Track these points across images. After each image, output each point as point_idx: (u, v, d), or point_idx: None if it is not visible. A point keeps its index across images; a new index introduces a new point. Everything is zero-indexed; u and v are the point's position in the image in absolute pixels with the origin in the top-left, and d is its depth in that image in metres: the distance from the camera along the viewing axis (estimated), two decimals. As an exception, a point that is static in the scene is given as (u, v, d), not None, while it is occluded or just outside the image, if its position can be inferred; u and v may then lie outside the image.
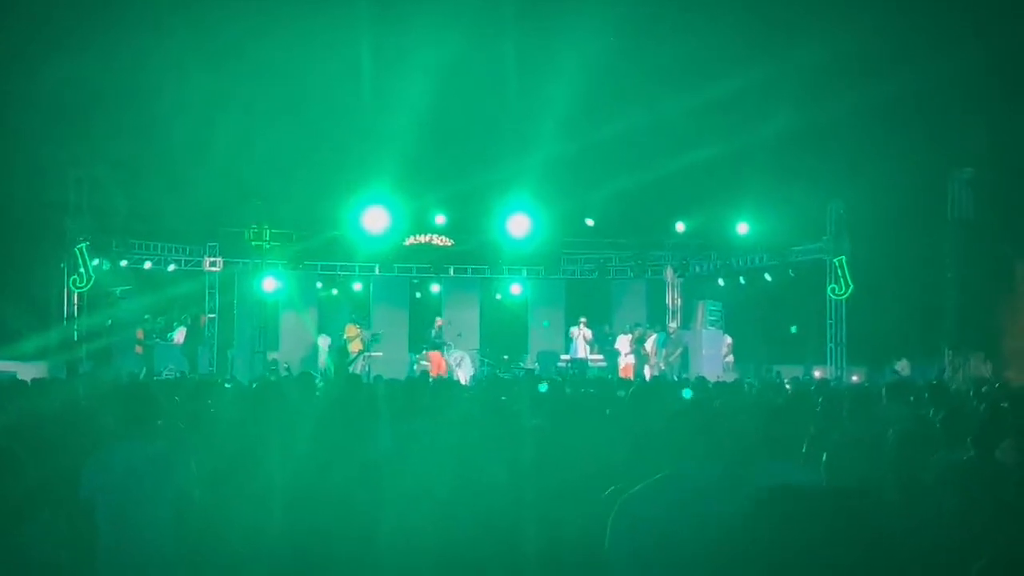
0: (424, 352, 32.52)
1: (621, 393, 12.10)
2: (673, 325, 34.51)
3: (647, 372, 32.33)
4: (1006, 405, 10.66)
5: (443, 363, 31.86)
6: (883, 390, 10.27)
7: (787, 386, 20.21)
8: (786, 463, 6.88)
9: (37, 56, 25.10)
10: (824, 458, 8.57)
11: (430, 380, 18.92)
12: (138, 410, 7.03)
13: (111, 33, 25.07)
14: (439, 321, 33.65)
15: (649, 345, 33.23)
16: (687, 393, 8.24)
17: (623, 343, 33.50)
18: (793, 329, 32.42)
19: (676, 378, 27.75)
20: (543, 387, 8.44)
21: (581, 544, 6.37)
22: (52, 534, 5.78)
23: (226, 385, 17.65)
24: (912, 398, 13.38)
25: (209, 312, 32.58)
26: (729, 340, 33.07)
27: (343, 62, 27.45)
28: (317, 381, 15.77)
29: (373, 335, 33.03)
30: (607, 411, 10.34)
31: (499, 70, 28.17)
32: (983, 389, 14.82)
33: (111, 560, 6.65)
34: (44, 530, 5.68)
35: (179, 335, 31.89)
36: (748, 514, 3.06)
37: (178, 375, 25.95)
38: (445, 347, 33.15)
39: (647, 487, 5.21)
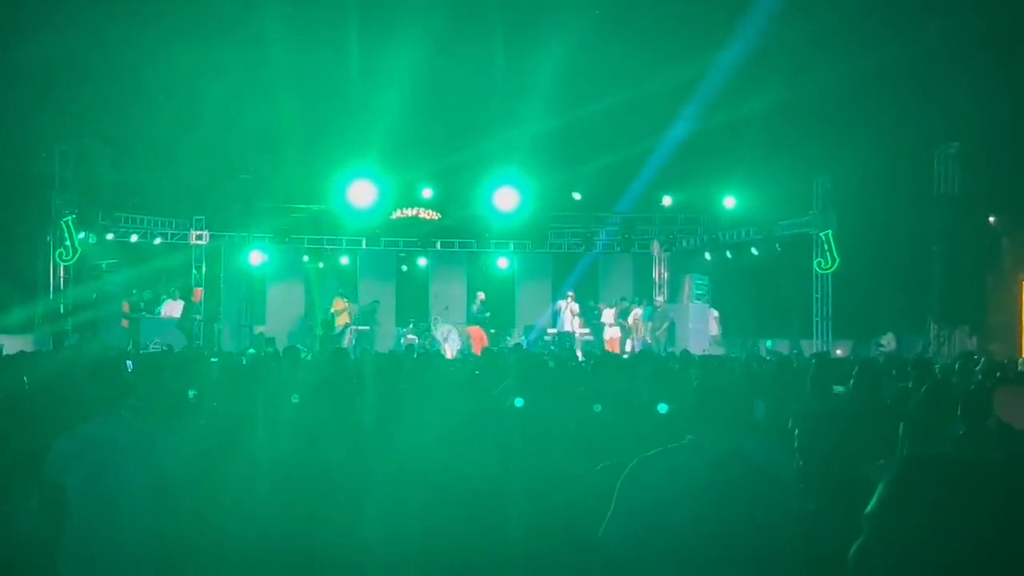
0: (456, 328, 32.61)
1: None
2: (660, 299, 34.56)
3: (629, 345, 32.40)
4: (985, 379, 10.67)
5: (484, 338, 31.93)
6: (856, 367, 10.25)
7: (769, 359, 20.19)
8: (770, 435, 6.88)
9: (22, 28, 24.90)
10: (796, 432, 8.60)
11: (415, 355, 18.93)
12: (115, 385, 6.79)
13: (98, 5, 24.87)
14: (480, 296, 33.77)
15: (633, 318, 33.27)
16: (662, 408, 8.16)
17: (608, 316, 33.58)
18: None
19: (663, 352, 27.78)
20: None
21: (571, 522, 6.35)
22: (27, 511, 5.71)
23: (212, 360, 17.60)
24: (895, 372, 13.41)
25: (196, 285, 32.49)
26: (716, 314, 33.11)
27: (331, 35, 27.34)
28: (304, 355, 15.74)
29: (373, 302, 33.16)
30: (596, 384, 10.33)
31: (487, 43, 28.04)
32: (970, 364, 14.79)
33: (80, 542, 6.36)
34: (20, 507, 5.61)
35: (167, 308, 31.78)
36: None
37: (164, 348, 25.86)
38: (433, 321, 33.17)
39: (666, 452, 5.18)
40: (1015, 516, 2.88)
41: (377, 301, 33.49)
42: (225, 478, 6.51)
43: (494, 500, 6.91)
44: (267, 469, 6.80)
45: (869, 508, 3.00)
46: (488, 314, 33.54)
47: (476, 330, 32.65)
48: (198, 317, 31.53)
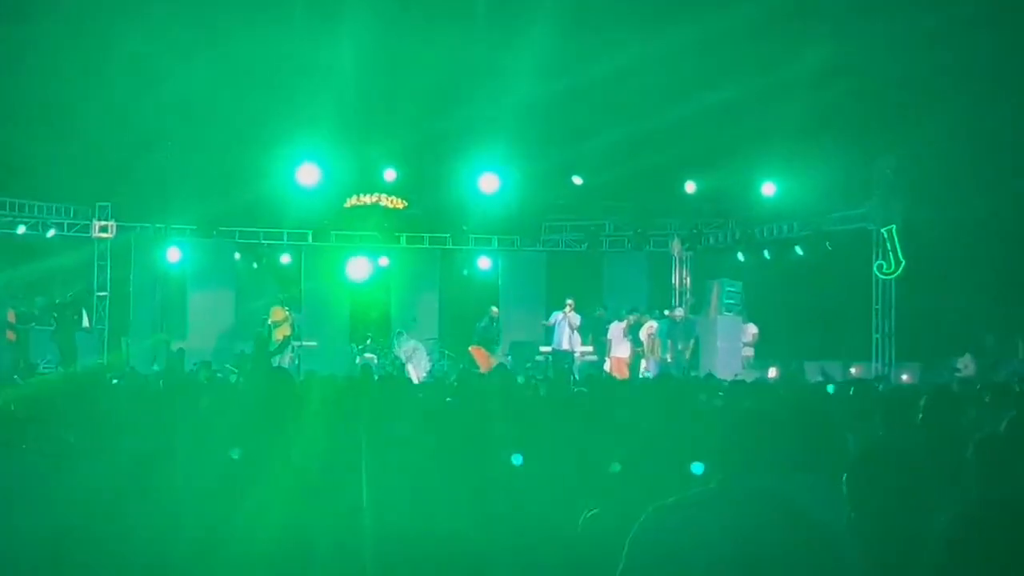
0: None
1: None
2: (680, 311, 34.54)
3: (643, 366, 32.38)
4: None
5: (490, 362, 31.91)
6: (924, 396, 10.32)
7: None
8: (809, 476, 6.91)
9: None
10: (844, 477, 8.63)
11: (375, 378, 18.91)
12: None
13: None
14: (494, 310, 33.80)
15: (646, 334, 33.23)
16: (697, 468, 8.00)
17: (616, 332, 33.43)
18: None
19: (685, 375, 27.76)
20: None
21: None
22: None
23: (113, 381, 17.58)
24: (974, 402, 13.44)
25: (99, 289, 32.43)
26: (754, 330, 33.10)
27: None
28: (234, 378, 15.75)
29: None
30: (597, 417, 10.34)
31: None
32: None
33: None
34: None
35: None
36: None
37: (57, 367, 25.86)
38: (396, 335, 33.20)
39: (686, 499, 5.20)
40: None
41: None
42: (131, 534, 6.50)
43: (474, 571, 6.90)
44: (185, 526, 6.79)
45: (933, 561, 3.03)
46: (496, 335, 33.54)
47: (479, 351, 32.61)
48: (86, 325, 31.37)
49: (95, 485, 6.74)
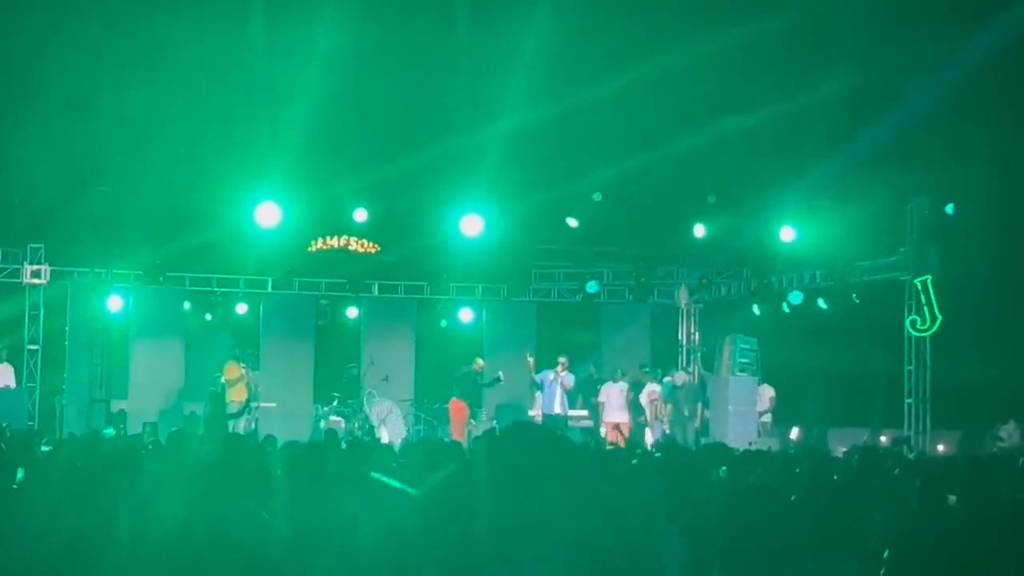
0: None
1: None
2: (682, 375, 34.49)
3: (650, 436, 32.35)
4: None
5: (465, 426, 31.86)
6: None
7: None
8: (843, 563, 6.96)
9: None
10: (886, 555, 8.70)
11: (342, 445, 18.93)
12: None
13: None
14: (480, 363, 33.72)
15: (646, 399, 33.24)
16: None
17: (610, 394, 33.34)
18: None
19: (693, 445, 27.72)
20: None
21: None
22: None
23: (44, 448, 17.60)
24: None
25: (31, 343, 32.43)
26: (771, 392, 33.10)
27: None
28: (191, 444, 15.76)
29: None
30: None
31: (446, 6, 27.85)
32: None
33: None
34: None
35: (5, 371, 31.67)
36: None
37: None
38: (367, 396, 33.19)
39: None
40: None
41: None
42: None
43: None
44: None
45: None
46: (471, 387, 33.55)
47: (457, 408, 32.48)
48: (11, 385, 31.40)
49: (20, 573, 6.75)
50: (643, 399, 33.32)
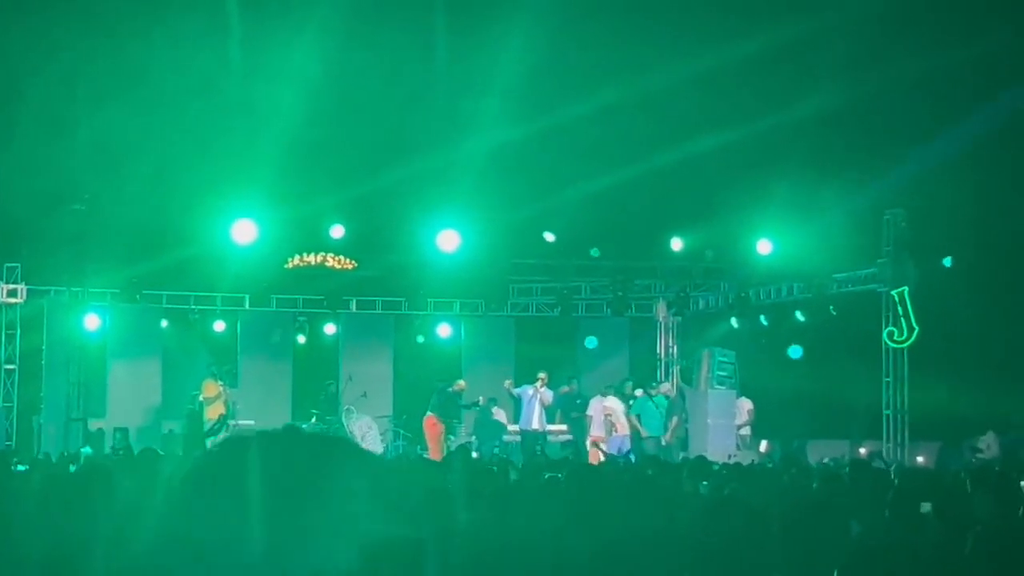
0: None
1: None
2: (667, 386, 34.52)
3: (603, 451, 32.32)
4: None
5: (440, 443, 31.75)
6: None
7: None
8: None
9: None
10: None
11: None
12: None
13: None
14: (461, 384, 33.63)
15: (600, 413, 33.05)
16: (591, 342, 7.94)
17: (598, 409, 33.30)
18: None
19: (674, 460, 27.71)
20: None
21: None
22: None
23: (18, 468, 17.58)
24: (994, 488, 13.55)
25: (7, 362, 32.36)
26: (749, 405, 33.12)
27: (206, 17, 27.10)
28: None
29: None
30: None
31: (423, 16, 27.79)
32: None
33: None
34: None
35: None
36: None
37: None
38: (345, 412, 33.16)
39: None
40: None
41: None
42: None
43: None
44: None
45: None
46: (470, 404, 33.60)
47: (432, 424, 32.37)
48: None
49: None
50: (592, 412, 33.12)
